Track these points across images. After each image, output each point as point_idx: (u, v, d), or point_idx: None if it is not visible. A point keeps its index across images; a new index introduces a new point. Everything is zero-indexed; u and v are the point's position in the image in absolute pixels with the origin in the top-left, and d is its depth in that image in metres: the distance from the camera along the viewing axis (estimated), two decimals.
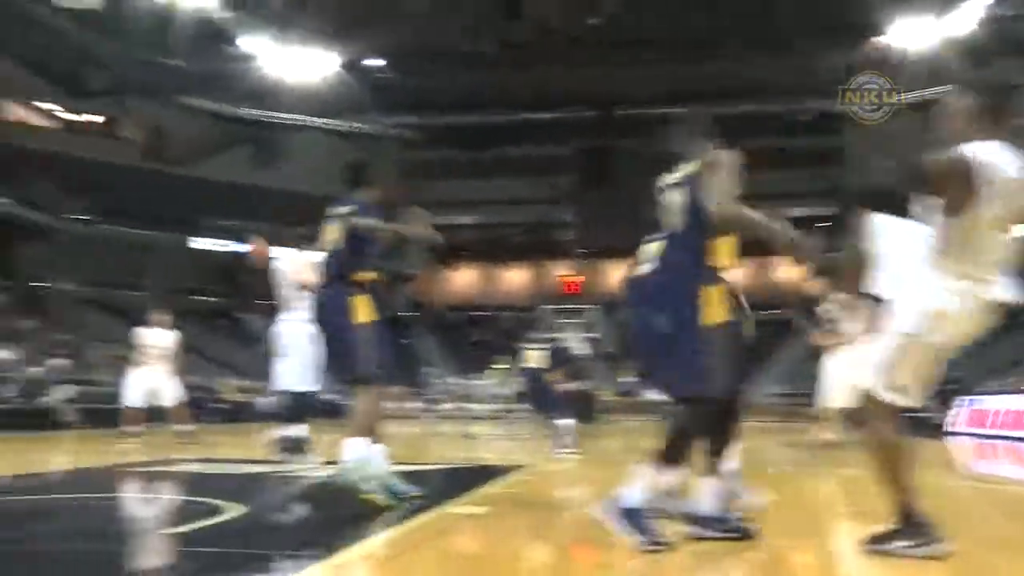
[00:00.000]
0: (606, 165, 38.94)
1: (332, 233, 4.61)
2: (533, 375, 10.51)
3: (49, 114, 35.64)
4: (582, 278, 40.53)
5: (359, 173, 4.83)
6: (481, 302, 41.12)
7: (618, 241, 38.44)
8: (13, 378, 18.28)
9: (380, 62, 33.35)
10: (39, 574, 2.97)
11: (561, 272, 42.72)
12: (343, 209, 4.64)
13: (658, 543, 3.06)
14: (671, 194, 3.38)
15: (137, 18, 23.47)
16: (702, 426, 3.24)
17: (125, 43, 27.90)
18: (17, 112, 34.08)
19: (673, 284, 3.21)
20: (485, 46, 20.71)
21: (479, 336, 38.74)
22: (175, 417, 10.43)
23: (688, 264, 3.22)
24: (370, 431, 4.37)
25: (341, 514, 4.15)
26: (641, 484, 3.13)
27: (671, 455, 3.14)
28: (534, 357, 10.64)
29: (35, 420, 15.93)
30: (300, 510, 4.74)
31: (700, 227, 3.21)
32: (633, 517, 3.09)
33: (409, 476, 4.74)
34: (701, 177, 3.25)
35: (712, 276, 3.20)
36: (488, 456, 9.49)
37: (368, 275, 4.47)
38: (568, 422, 8.92)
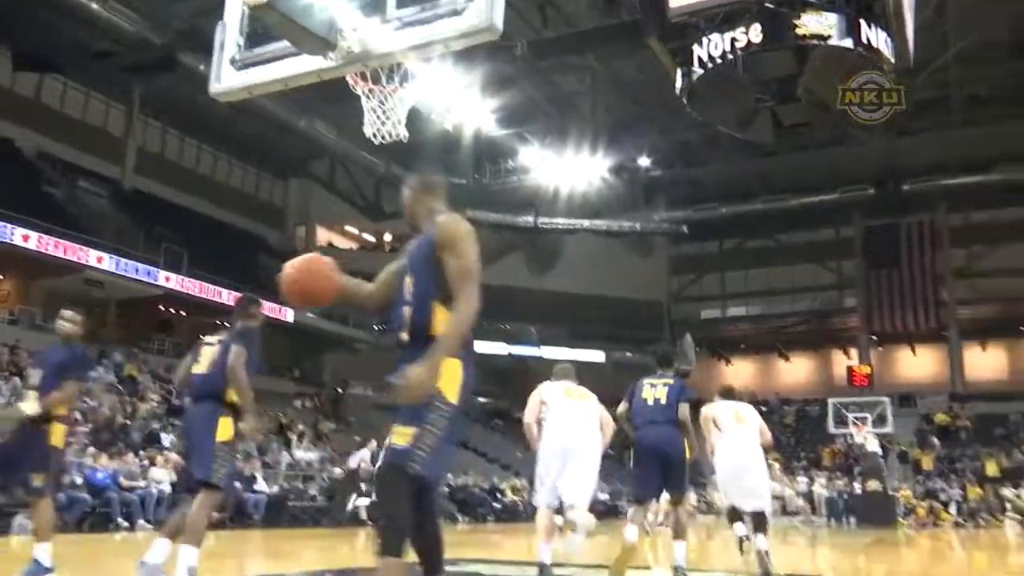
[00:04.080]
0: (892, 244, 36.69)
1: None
2: None
3: (352, 235, 39.79)
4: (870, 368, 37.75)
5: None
6: (762, 395, 39.40)
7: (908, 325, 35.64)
8: (318, 478, 19.98)
9: (647, 161, 33.91)
10: None
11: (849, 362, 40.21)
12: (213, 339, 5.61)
13: None
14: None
15: (428, 143, 25.76)
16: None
17: (417, 166, 30.65)
18: (328, 236, 38.41)
19: None
20: (759, 134, 20.45)
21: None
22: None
23: None
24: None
25: None
26: None
27: None
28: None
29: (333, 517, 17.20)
30: None
31: None
32: None
33: None
34: None
35: None
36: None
37: (233, 396, 5.24)
38: None
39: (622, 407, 6.71)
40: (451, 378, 3.07)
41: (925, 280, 36.75)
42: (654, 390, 6.57)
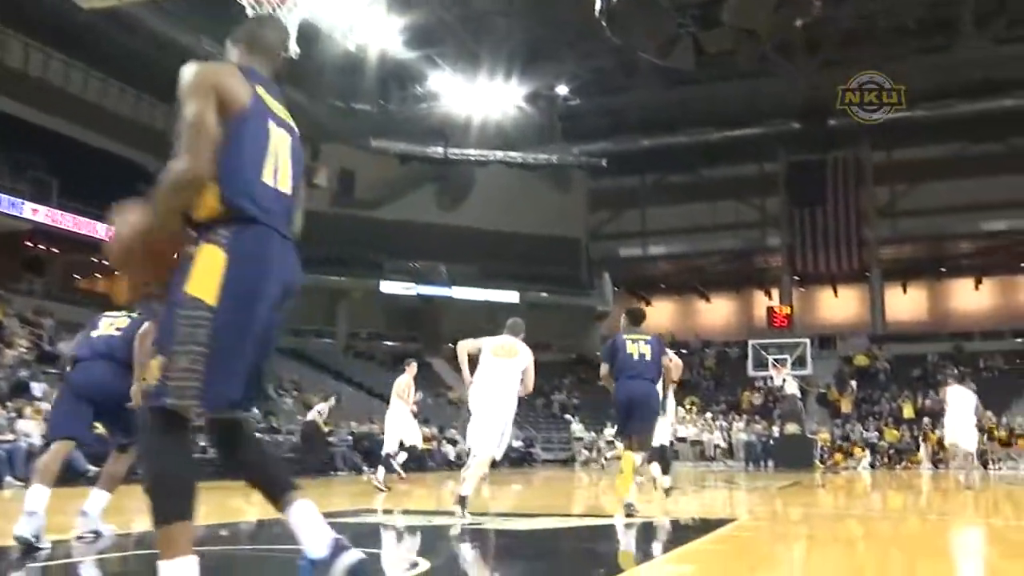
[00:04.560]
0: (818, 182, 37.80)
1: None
2: None
3: None
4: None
5: None
6: (681, 337, 40.46)
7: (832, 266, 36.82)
8: None
9: (565, 89, 33.85)
10: None
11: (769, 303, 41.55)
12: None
13: None
14: None
15: (328, 64, 25.07)
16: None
17: (316, 91, 29.85)
18: None
19: None
20: (680, 61, 20.48)
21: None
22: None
23: None
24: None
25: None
26: None
27: None
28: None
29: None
30: (489, 565, 4.80)
31: None
32: None
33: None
34: None
35: None
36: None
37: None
38: None
39: (605, 368, 7.91)
40: (206, 273, 2.60)
41: (849, 219, 38.01)
42: (637, 346, 7.83)
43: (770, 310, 38.97)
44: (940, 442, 22.14)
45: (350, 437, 21.90)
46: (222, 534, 6.07)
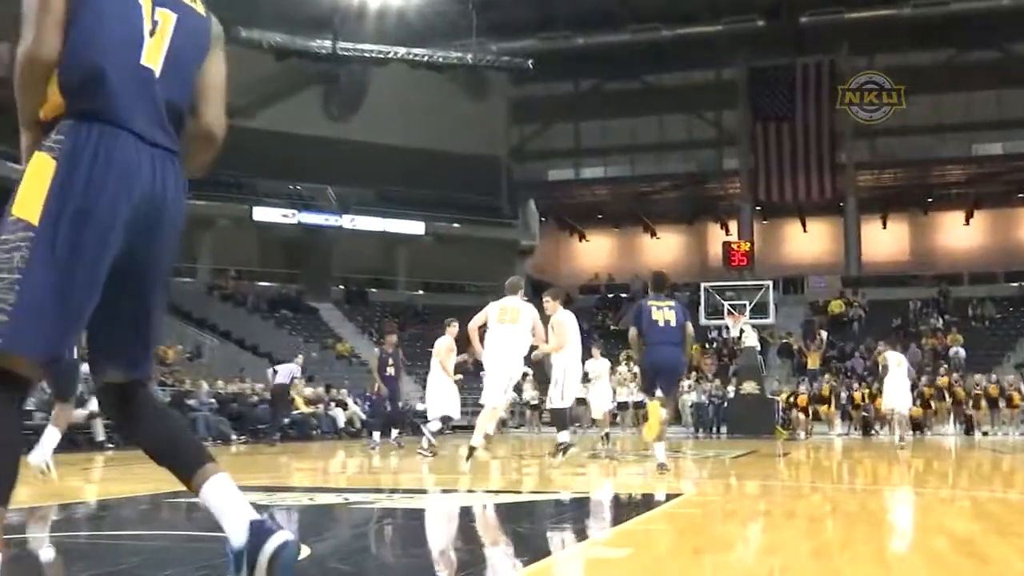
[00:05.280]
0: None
1: None
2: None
3: None
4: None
5: None
6: (620, 279, 41.01)
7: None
8: None
9: None
10: None
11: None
12: None
13: None
14: None
15: None
16: None
17: None
18: None
19: None
20: None
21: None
22: None
23: None
24: None
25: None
26: None
27: None
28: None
29: None
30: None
31: None
32: None
33: None
34: None
35: None
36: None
37: None
38: None
39: (633, 332, 10.10)
40: (32, 187, 2.52)
41: (821, 138, 38.75)
42: (662, 312, 9.92)
43: (727, 246, 39.73)
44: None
45: (213, 400, 21.64)
46: (54, 518, 6.01)
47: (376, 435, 16.80)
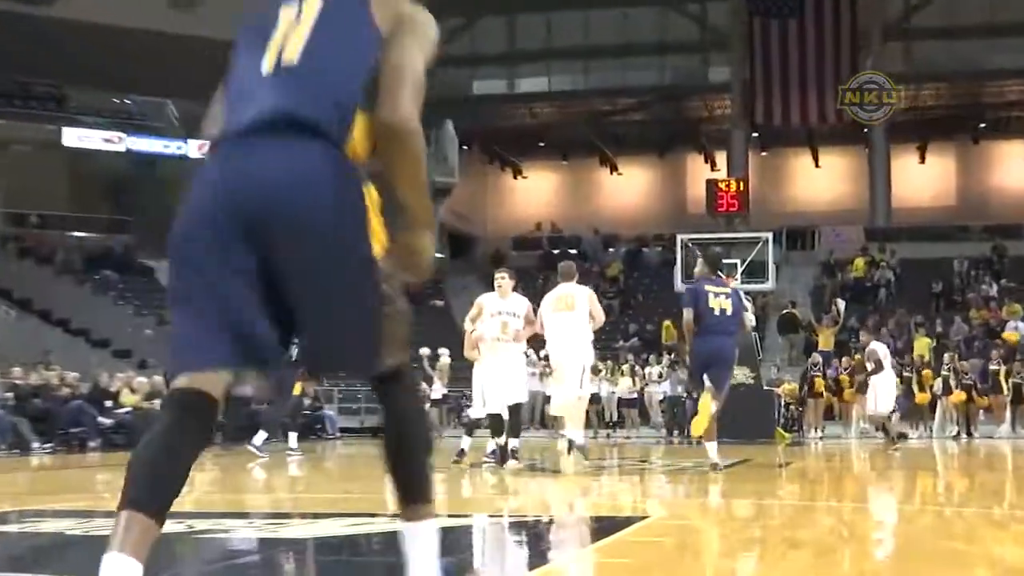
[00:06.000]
0: None
1: None
2: None
3: None
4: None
5: None
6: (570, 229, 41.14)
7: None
8: None
9: None
10: None
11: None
12: None
13: None
14: None
15: None
16: None
17: None
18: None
19: None
20: None
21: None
22: None
23: None
24: None
25: None
26: None
27: None
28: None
29: None
30: None
31: None
32: None
33: None
34: None
35: None
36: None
37: None
38: None
39: (688, 314, 12.18)
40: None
41: (839, 41, 38.88)
42: (719, 300, 12.06)
43: (712, 185, 39.74)
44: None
45: (9, 395, 21.41)
46: None
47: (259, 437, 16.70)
